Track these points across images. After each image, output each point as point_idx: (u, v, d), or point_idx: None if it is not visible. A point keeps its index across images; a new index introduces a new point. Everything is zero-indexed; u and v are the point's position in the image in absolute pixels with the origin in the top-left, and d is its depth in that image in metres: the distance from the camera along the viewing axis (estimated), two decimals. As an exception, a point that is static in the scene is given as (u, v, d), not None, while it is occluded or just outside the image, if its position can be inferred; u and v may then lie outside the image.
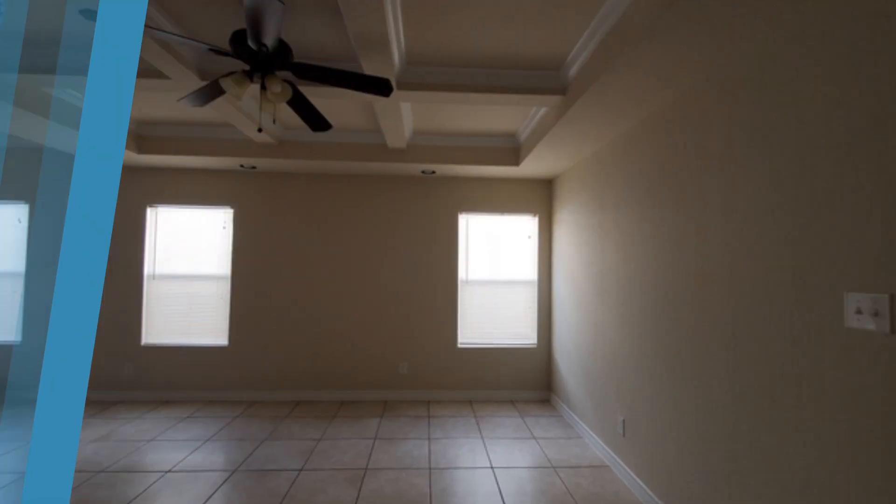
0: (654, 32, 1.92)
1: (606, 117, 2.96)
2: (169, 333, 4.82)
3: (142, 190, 4.83)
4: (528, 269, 5.03)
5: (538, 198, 5.04)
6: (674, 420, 2.49)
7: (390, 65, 2.60)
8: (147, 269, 4.81)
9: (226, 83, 2.28)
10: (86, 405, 4.52)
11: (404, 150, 4.37)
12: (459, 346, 4.92)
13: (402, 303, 4.92)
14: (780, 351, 1.77)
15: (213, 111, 3.78)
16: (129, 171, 4.80)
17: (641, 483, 2.79)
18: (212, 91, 2.52)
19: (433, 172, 4.78)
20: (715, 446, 2.15)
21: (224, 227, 4.88)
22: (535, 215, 5.05)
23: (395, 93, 2.96)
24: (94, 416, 4.21)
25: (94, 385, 4.71)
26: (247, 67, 2.84)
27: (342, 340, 4.86)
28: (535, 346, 4.96)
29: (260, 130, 2.59)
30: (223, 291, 4.84)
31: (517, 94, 2.97)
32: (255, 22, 1.92)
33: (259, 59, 2.24)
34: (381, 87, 2.43)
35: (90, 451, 3.43)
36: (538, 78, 2.94)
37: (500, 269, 5.04)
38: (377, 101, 3.12)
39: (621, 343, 3.17)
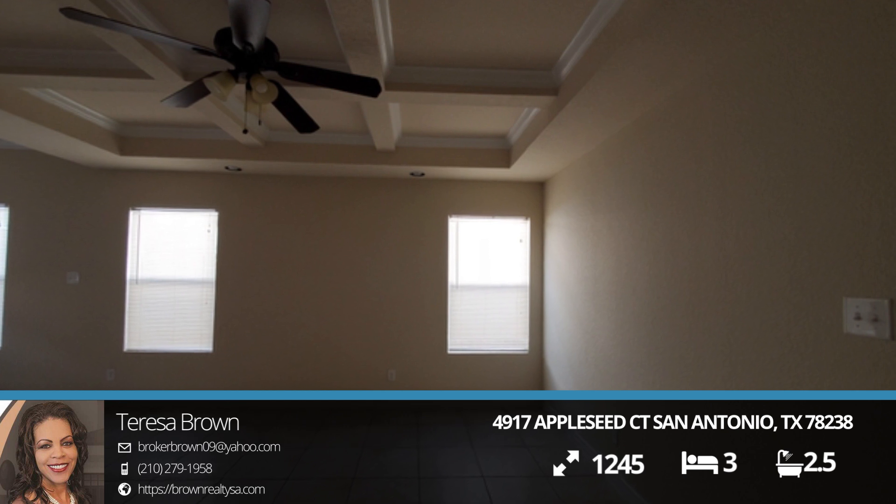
0: (648, 30, 1.89)
1: (599, 118, 2.93)
2: (152, 339, 4.70)
3: (124, 192, 4.71)
4: (520, 273, 4.98)
5: (530, 201, 4.99)
6: (668, 426, 2.45)
7: (378, 64, 2.55)
8: (129, 273, 4.68)
9: (210, 83, 2.22)
10: (65, 414, 4.39)
11: (393, 151, 4.31)
12: (449, 352, 4.85)
13: (390, 308, 4.84)
14: (777, 357, 1.73)
15: (197, 112, 3.70)
16: (111, 172, 4.69)
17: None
18: (196, 91, 2.45)
19: (422, 174, 4.73)
20: (711, 453, 2.11)
21: (208, 231, 4.78)
22: (526, 219, 5.01)
23: (383, 93, 2.90)
24: (74, 426, 4.09)
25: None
26: (232, 67, 2.74)
27: (329, 346, 4.77)
28: (526, 352, 4.90)
29: (245, 132, 2.52)
30: (207, 296, 4.73)
31: (508, 95, 2.92)
32: (240, 20, 1.86)
33: (244, 58, 2.18)
34: (368, 87, 2.38)
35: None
36: (530, 78, 2.90)
37: (490, 274, 4.98)
38: (365, 101, 3.06)
39: (614, 350, 3.13)
